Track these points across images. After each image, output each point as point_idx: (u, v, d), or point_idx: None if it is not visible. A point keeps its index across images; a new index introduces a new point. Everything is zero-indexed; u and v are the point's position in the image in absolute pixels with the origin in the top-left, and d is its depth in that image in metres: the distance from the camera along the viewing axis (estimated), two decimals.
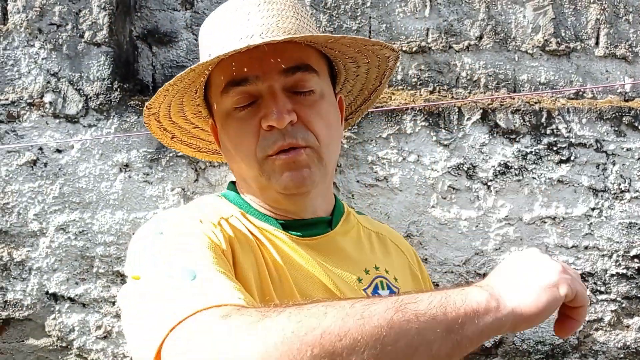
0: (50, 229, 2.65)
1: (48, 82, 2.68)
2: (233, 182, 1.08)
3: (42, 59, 2.68)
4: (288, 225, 1.00)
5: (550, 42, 2.97)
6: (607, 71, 2.99)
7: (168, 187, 2.68)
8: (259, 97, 0.93)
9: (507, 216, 2.80)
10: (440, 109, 2.78)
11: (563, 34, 2.99)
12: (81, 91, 2.69)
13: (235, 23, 0.94)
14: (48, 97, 2.68)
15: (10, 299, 2.64)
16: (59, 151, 2.67)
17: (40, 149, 2.66)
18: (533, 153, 2.81)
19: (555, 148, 2.82)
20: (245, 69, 0.91)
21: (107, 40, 2.72)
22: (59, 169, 2.67)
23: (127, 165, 2.68)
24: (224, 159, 1.15)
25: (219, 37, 0.95)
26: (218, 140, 1.05)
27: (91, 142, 2.66)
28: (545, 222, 2.83)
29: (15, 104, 2.67)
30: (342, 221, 1.06)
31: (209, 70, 0.95)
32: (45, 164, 2.66)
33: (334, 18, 2.93)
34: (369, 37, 2.94)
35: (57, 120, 2.68)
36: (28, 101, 2.67)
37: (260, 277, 0.92)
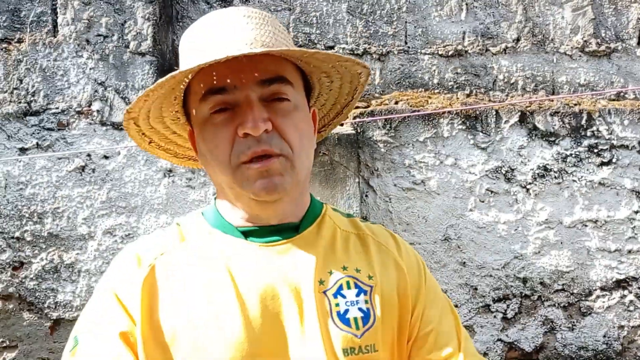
0: (98, 233, 2.75)
1: (95, 91, 2.78)
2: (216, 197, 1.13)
3: (90, 68, 2.79)
4: (251, 234, 1.03)
5: (590, 43, 2.93)
6: None
7: (210, 191, 2.75)
8: (235, 106, 0.96)
9: (546, 219, 2.77)
10: (477, 112, 2.78)
11: (603, 35, 2.95)
12: (127, 99, 2.79)
13: (216, 34, 0.98)
14: (96, 106, 2.78)
15: (61, 300, 2.75)
16: (106, 157, 2.77)
17: (89, 155, 2.76)
18: (573, 155, 2.77)
19: (596, 150, 2.78)
20: (224, 79, 0.95)
21: (151, 49, 2.81)
22: (106, 174, 2.76)
23: (170, 171, 2.76)
24: (199, 165, 1.19)
25: (199, 46, 0.98)
26: (195, 147, 1.08)
27: (136, 148, 2.75)
28: (586, 226, 2.79)
29: (65, 112, 2.78)
30: (313, 225, 1.07)
31: (189, 78, 0.99)
32: (93, 170, 2.76)
33: (370, 23, 2.95)
34: (405, 41, 2.96)
35: (104, 128, 2.77)
36: (77, 109, 2.78)
37: (209, 292, 0.97)
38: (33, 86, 2.78)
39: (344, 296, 1.00)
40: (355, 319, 0.99)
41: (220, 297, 0.96)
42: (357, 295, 1.01)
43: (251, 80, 0.96)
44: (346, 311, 0.99)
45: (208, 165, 1.03)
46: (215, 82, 0.96)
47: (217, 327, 0.94)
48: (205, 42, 0.98)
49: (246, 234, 1.03)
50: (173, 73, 0.92)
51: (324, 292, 0.99)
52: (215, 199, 1.11)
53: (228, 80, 0.96)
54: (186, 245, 1.04)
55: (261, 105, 0.96)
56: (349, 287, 1.01)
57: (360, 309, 1.00)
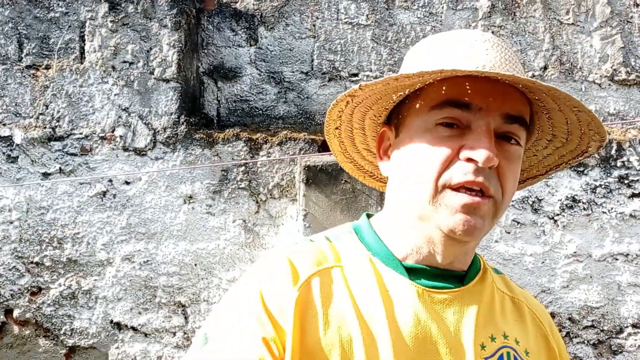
0: (117, 259, 2.74)
1: (119, 117, 2.80)
2: (368, 215, 1.04)
3: (115, 94, 2.81)
4: (415, 272, 0.94)
5: (620, 72, 2.87)
6: None
7: (230, 218, 2.72)
8: (466, 127, 0.89)
9: (575, 252, 2.69)
10: None
11: (633, 63, 2.89)
12: (150, 125, 2.79)
13: (474, 49, 0.91)
14: (119, 131, 2.79)
15: (77, 326, 2.73)
16: (127, 183, 2.77)
17: (110, 181, 2.76)
18: (603, 186, 2.70)
19: (626, 181, 2.70)
20: (472, 96, 0.88)
21: (175, 76, 2.83)
22: (127, 200, 2.76)
23: (191, 197, 2.75)
24: (355, 174, 1.13)
25: (459, 52, 0.91)
26: (383, 151, 1.01)
27: (157, 174, 2.75)
28: (617, 259, 2.69)
29: (88, 138, 2.79)
30: (477, 278, 0.98)
31: (432, 80, 0.91)
32: (114, 195, 2.76)
33: (395, 51, 2.94)
34: None
35: (127, 153, 2.78)
36: (100, 135, 2.79)
37: (365, 326, 0.89)
38: (58, 112, 2.81)
39: None
40: None
41: (376, 336, 0.89)
42: None
43: (497, 110, 0.89)
44: None
45: (402, 176, 0.95)
46: (466, 96, 0.89)
47: None
48: (465, 50, 0.91)
49: (409, 270, 0.94)
50: (438, 69, 0.85)
51: (486, 359, 0.92)
52: (367, 217, 1.03)
53: (477, 99, 0.88)
54: (343, 267, 0.95)
55: (494, 138, 0.89)
56: (509, 359, 0.94)
57: None
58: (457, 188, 0.87)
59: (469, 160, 0.86)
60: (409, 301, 0.91)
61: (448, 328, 0.91)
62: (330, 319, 0.89)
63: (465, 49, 0.91)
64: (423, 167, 0.90)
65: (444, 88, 0.89)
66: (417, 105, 0.93)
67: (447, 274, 0.95)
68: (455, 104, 0.89)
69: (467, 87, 0.87)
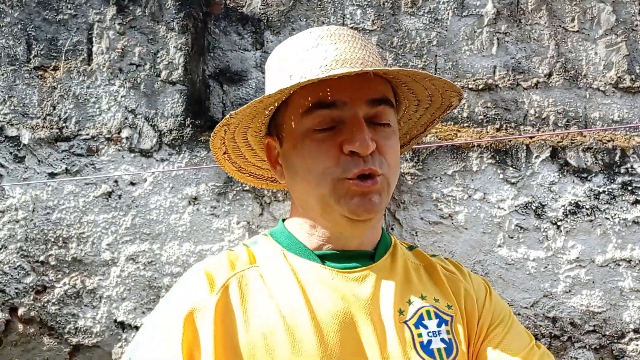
0: (121, 259, 2.75)
1: (125, 119, 2.82)
2: (284, 219, 1.10)
3: (121, 96, 2.83)
4: (327, 258, 1.01)
5: (624, 79, 2.88)
6: None
7: (234, 220, 2.74)
8: (340, 123, 0.96)
9: (578, 257, 2.69)
10: (507, 147, 2.74)
11: (638, 71, 2.90)
12: (156, 127, 2.81)
13: (328, 48, 0.98)
14: (125, 133, 2.81)
15: (81, 325, 2.74)
16: (132, 184, 2.78)
17: (116, 181, 2.78)
18: (606, 192, 2.71)
19: (630, 188, 2.71)
20: (335, 94, 0.95)
21: (181, 79, 2.85)
22: (132, 200, 2.77)
23: (195, 199, 2.76)
24: (258, 184, 1.19)
25: (312, 58, 0.98)
26: (272, 160, 1.07)
27: (163, 175, 2.77)
28: (619, 265, 2.70)
29: (95, 139, 2.81)
30: (387, 254, 1.05)
31: (295, 89, 0.98)
32: (120, 196, 2.78)
33: (400, 56, 2.96)
34: (435, 74, 2.95)
35: (132, 155, 2.80)
36: (107, 136, 2.81)
37: (286, 317, 0.93)
38: (65, 112, 2.83)
39: (425, 327, 0.97)
40: (439, 349, 0.96)
41: (298, 323, 0.93)
42: (439, 325, 0.98)
43: (361, 99, 0.96)
44: (429, 342, 0.96)
45: (297, 179, 1.02)
46: (328, 97, 0.95)
47: (295, 352, 0.91)
48: (318, 54, 0.98)
49: (322, 258, 1.01)
50: (301, 81, 0.92)
51: (405, 322, 0.97)
52: (282, 221, 1.09)
53: (340, 96, 0.95)
54: (258, 267, 1.01)
55: (366, 125, 0.96)
56: (429, 317, 0.98)
57: (442, 340, 0.97)
58: (352, 178, 0.95)
59: (352, 152, 0.94)
60: (325, 285, 0.97)
61: (366, 303, 0.96)
62: (251, 317, 0.94)
63: (315, 51, 0.98)
64: (314, 167, 0.97)
65: (309, 99, 0.96)
66: (290, 114, 1.00)
67: (358, 254, 1.02)
68: (322, 105, 0.96)
69: (328, 90, 0.94)
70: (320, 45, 0.98)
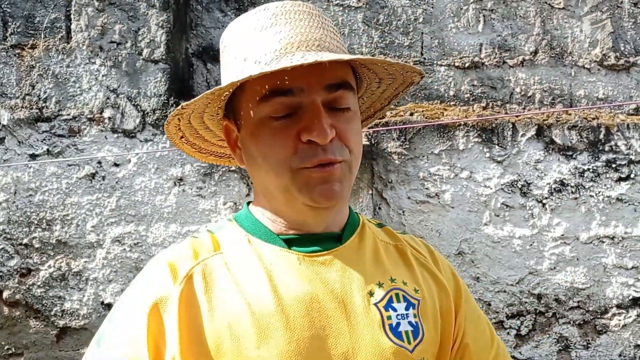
0: (107, 241, 2.73)
1: (107, 98, 2.77)
2: (248, 203, 1.09)
3: (103, 75, 2.77)
4: (293, 242, 0.99)
5: (609, 57, 2.89)
6: None
7: (220, 201, 2.72)
8: (298, 109, 0.94)
9: (563, 235, 2.73)
10: (493, 125, 2.74)
11: (622, 48, 2.91)
12: (139, 107, 2.77)
13: (283, 29, 0.95)
14: (107, 113, 2.77)
15: (68, 308, 2.72)
16: (116, 165, 2.75)
17: (99, 162, 2.74)
18: (590, 170, 2.73)
19: (614, 165, 2.74)
20: (292, 81, 0.93)
21: (164, 57, 2.80)
22: (116, 182, 2.74)
23: (181, 179, 2.74)
24: (220, 161, 1.17)
25: (267, 41, 0.95)
26: (232, 144, 1.04)
27: (147, 156, 2.73)
28: (603, 242, 2.74)
29: (77, 119, 2.76)
30: (355, 235, 1.04)
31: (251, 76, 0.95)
32: (104, 177, 2.74)
33: (386, 34, 2.93)
34: (421, 52, 2.93)
35: (116, 135, 2.76)
36: (88, 116, 2.76)
37: (251, 303, 0.93)
38: (45, 92, 2.77)
39: (394, 309, 0.98)
40: (407, 332, 0.97)
41: (264, 309, 0.93)
42: (407, 308, 0.99)
43: (319, 84, 0.94)
44: (398, 324, 0.97)
45: (256, 167, 1.00)
46: (285, 83, 0.93)
47: (263, 340, 0.91)
48: (272, 36, 0.95)
49: (288, 242, 0.99)
50: (254, 74, 0.88)
51: (375, 305, 0.97)
52: (247, 205, 1.07)
53: (296, 82, 0.93)
54: (222, 254, 0.99)
55: (325, 111, 0.94)
56: (398, 300, 0.99)
57: (410, 323, 0.98)
58: (310, 167, 0.93)
59: (310, 141, 0.92)
60: (291, 269, 0.96)
61: (334, 285, 0.96)
62: (216, 306, 0.93)
63: (269, 32, 0.95)
64: (272, 157, 0.95)
65: (265, 86, 0.93)
66: (246, 100, 0.97)
67: (325, 237, 1.00)
68: (278, 92, 0.93)
69: (285, 78, 0.92)
70: (275, 25, 0.95)
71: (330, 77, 0.94)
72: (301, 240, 0.99)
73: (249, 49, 0.96)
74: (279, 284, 0.95)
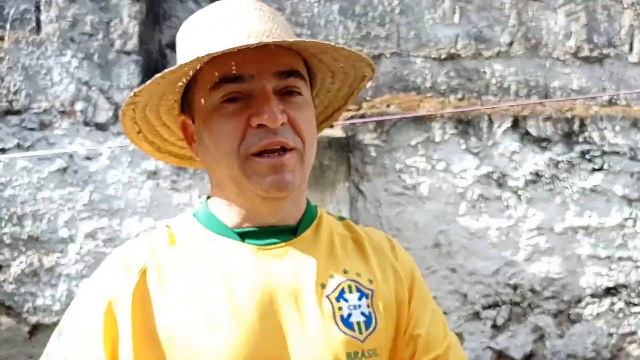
0: (80, 236, 2.69)
1: (79, 91, 2.72)
2: (208, 197, 1.09)
3: (74, 67, 2.73)
4: (248, 235, 1.00)
5: (583, 49, 2.92)
6: None
7: (195, 194, 2.70)
8: (249, 96, 0.94)
9: (538, 226, 2.75)
10: (470, 117, 2.75)
11: (596, 40, 2.93)
12: (111, 99, 2.73)
13: (233, 22, 0.96)
14: (79, 106, 2.72)
15: (40, 304, 2.68)
16: (88, 158, 2.71)
17: (71, 156, 2.70)
18: (565, 161, 2.76)
19: (587, 156, 2.77)
20: (242, 68, 0.93)
21: (137, 49, 2.76)
22: (89, 176, 2.70)
23: (155, 173, 2.70)
24: (179, 163, 1.16)
25: (216, 32, 0.96)
26: (188, 139, 1.04)
27: (120, 149, 2.69)
28: (577, 232, 2.77)
29: (48, 112, 2.71)
30: (311, 228, 1.04)
31: (200, 64, 0.95)
32: (76, 171, 2.70)
33: (362, 25, 2.92)
34: (398, 44, 2.93)
35: (88, 128, 2.71)
36: (60, 109, 2.71)
37: (204, 297, 0.94)
38: (15, 85, 2.72)
39: (346, 300, 0.98)
40: (359, 323, 0.97)
41: (216, 303, 0.93)
42: (359, 299, 0.99)
43: (268, 71, 0.94)
44: (349, 315, 0.97)
45: (209, 157, 0.99)
46: (233, 70, 0.93)
47: (213, 334, 0.91)
48: (222, 28, 0.96)
49: (242, 235, 0.99)
50: (199, 55, 0.88)
51: (327, 296, 0.97)
52: (206, 199, 1.07)
53: (246, 69, 0.93)
54: (177, 248, 0.99)
55: (276, 97, 0.94)
56: (350, 291, 0.99)
57: (362, 313, 0.98)
58: (260, 154, 0.93)
59: (260, 125, 0.92)
60: (244, 262, 0.97)
61: (286, 278, 0.96)
62: (169, 302, 0.94)
63: (220, 27, 0.97)
64: (222, 145, 0.95)
65: (215, 73, 0.94)
66: (199, 90, 0.98)
67: (280, 229, 1.01)
68: (229, 79, 0.94)
69: (233, 64, 0.93)
70: (226, 22, 0.97)
71: (279, 64, 0.95)
72: (255, 233, 1.00)
73: (199, 42, 0.97)
74: (230, 278, 0.95)
